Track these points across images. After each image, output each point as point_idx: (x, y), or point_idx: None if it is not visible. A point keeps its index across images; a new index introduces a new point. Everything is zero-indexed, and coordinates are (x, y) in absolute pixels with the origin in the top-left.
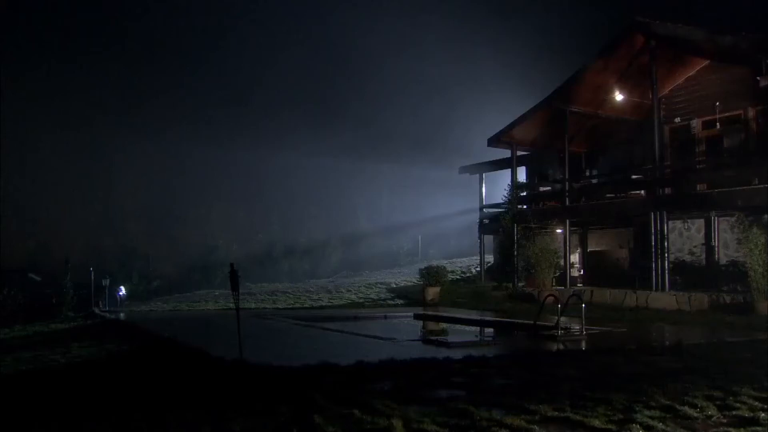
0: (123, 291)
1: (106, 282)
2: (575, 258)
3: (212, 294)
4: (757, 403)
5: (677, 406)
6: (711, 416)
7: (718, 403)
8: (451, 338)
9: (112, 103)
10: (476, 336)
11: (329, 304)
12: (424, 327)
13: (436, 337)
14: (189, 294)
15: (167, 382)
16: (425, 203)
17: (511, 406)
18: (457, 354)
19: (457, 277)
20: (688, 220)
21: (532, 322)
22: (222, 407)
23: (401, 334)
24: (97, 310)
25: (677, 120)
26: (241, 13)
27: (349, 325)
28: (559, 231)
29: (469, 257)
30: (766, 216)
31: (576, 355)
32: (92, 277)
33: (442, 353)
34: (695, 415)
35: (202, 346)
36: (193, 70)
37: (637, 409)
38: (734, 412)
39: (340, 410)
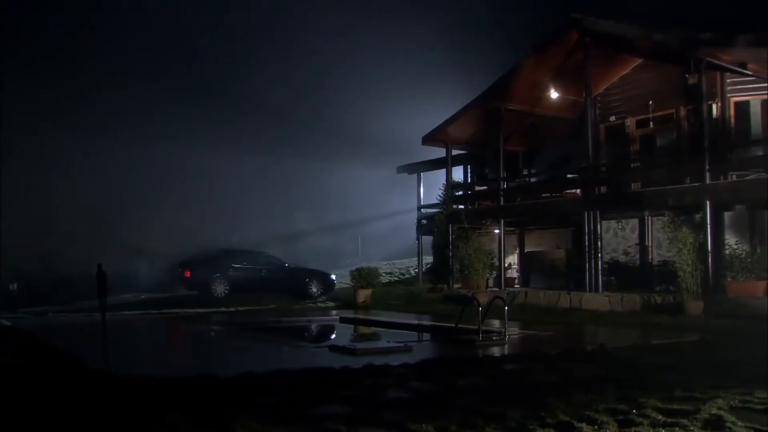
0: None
1: (13, 287)
2: (513, 259)
3: (139, 297)
4: (660, 417)
5: (575, 423)
6: None
7: (620, 417)
8: (359, 344)
9: (57, 102)
10: (389, 341)
11: (256, 308)
12: (343, 332)
13: (343, 344)
14: (113, 297)
15: (18, 397)
16: (367, 203)
17: (393, 424)
18: (359, 363)
19: (396, 278)
20: (623, 220)
21: (454, 325)
22: (64, 427)
23: (314, 340)
24: None
25: (612, 119)
26: (193, 9)
27: (264, 332)
28: (496, 231)
29: (409, 258)
30: (696, 216)
31: (489, 362)
32: None
33: (344, 361)
34: None
35: (83, 357)
36: (135, 68)
37: (530, 426)
38: (634, 429)
39: None
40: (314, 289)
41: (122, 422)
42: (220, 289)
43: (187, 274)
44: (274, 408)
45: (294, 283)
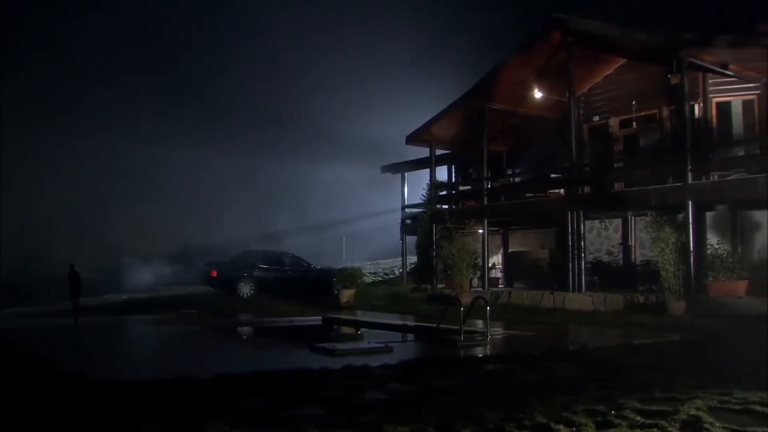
0: None
1: None
2: (497, 259)
3: (120, 298)
4: (639, 418)
5: (552, 425)
6: None
7: (599, 419)
8: (339, 345)
9: (42, 102)
10: (369, 342)
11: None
12: (325, 332)
13: (323, 345)
14: (95, 298)
15: None
16: (351, 203)
17: (369, 426)
18: (338, 363)
19: (380, 278)
20: (606, 220)
21: (436, 325)
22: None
23: (293, 341)
24: None
25: (596, 119)
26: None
27: (245, 332)
28: (480, 231)
29: (393, 258)
30: (679, 215)
31: (470, 362)
32: None
33: (323, 362)
34: None
35: (51, 358)
36: (120, 70)
37: (507, 428)
38: (611, 431)
39: None
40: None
41: (91, 427)
42: (245, 289)
43: (214, 273)
44: (250, 410)
45: (319, 284)
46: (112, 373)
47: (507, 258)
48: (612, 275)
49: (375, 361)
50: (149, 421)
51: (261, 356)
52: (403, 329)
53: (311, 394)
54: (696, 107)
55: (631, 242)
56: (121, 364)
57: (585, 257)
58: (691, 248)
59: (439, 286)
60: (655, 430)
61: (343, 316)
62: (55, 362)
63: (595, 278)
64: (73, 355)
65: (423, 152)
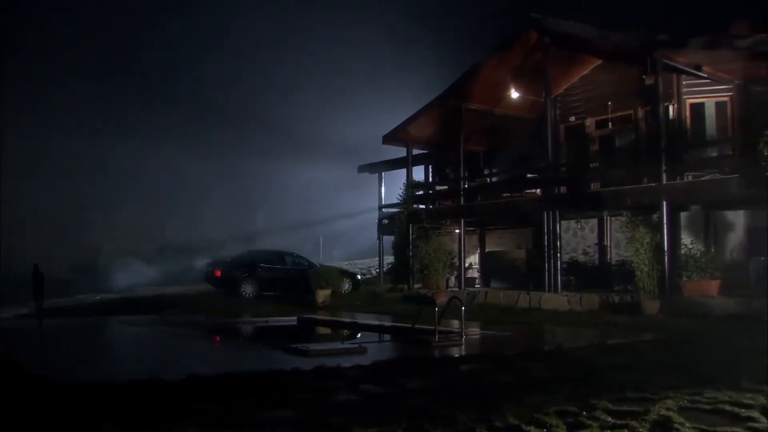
0: None
1: None
2: (474, 259)
3: (93, 297)
4: (610, 419)
5: (524, 426)
6: None
7: (570, 420)
8: (312, 346)
9: (21, 103)
10: (343, 342)
11: (213, 307)
12: (300, 332)
13: (295, 345)
14: (68, 298)
15: None
16: (328, 203)
17: (340, 428)
18: (311, 364)
19: (358, 278)
20: (582, 220)
21: (411, 325)
22: None
23: (267, 342)
24: None
25: (572, 119)
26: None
27: (220, 333)
28: (457, 231)
29: (371, 258)
30: (653, 215)
31: (444, 363)
32: None
33: (296, 363)
34: None
35: (17, 359)
36: (101, 71)
37: (478, 430)
38: None
39: None
40: (342, 289)
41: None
42: (248, 289)
43: (218, 273)
44: (219, 413)
45: None
46: (74, 375)
47: (483, 258)
48: (588, 275)
49: (348, 362)
50: (114, 425)
51: (230, 357)
52: (378, 329)
53: (283, 395)
54: (670, 108)
55: (607, 242)
56: (84, 366)
57: (561, 257)
58: (666, 248)
59: (416, 286)
60: (625, 430)
61: (319, 317)
62: (15, 363)
63: (571, 278)
64: (33, 357)
65: (400, 152)
